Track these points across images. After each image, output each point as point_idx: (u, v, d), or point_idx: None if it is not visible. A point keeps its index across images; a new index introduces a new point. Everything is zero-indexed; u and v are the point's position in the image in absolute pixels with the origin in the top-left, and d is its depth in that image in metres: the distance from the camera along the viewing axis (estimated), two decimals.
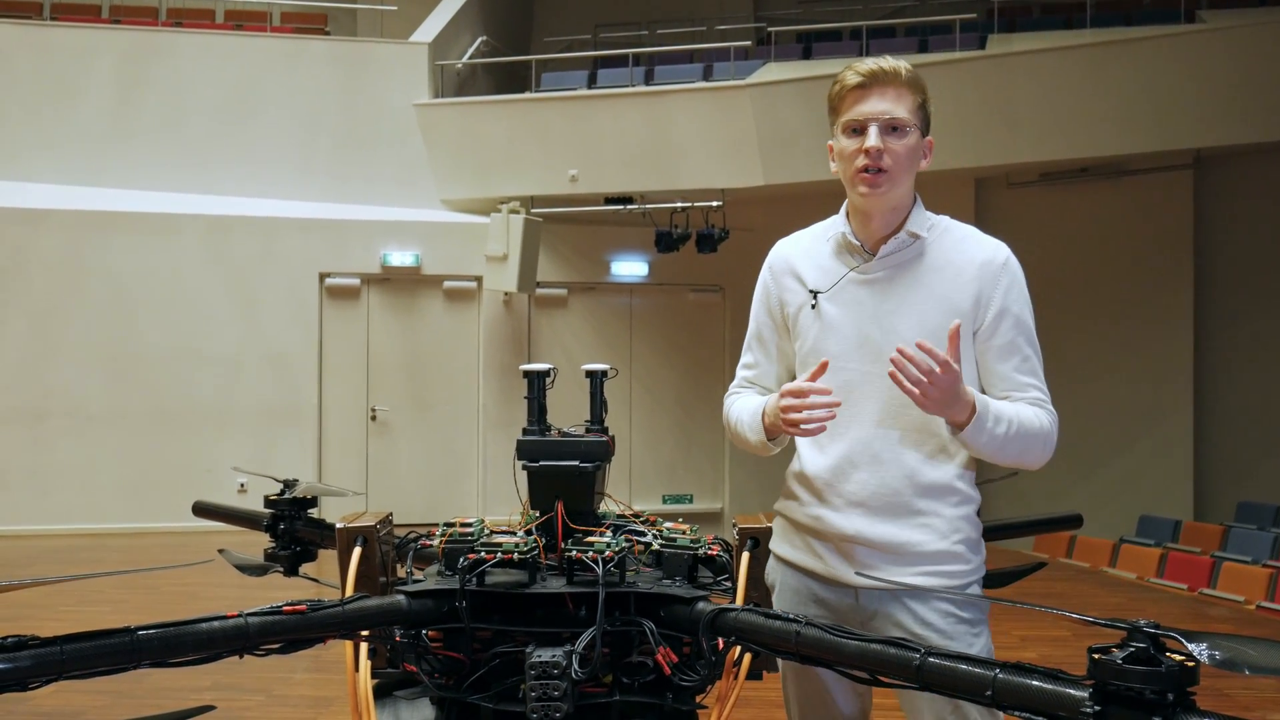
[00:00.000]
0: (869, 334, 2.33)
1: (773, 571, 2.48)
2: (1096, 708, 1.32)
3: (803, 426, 2.22)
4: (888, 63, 2.32)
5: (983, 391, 2.31)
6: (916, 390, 2.11)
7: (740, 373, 2.60)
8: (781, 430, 2.32)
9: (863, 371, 2.33)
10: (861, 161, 2.30)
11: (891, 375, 2.13)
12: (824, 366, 2.24)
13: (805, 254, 2.47)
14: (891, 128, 2.30)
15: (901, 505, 2.31)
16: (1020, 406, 2.29)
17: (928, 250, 2.35)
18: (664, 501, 12.84)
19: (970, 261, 2.33)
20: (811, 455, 2.40)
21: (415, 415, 12.46)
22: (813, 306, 2.39)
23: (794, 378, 2.40)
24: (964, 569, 2.34)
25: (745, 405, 2.48)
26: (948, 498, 2.32)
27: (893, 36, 13.05)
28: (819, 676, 2.41)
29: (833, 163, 2.42)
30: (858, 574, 2.33)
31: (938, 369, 2.10)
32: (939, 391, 2.12)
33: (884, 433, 2.33)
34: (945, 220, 2.42)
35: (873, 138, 2.29)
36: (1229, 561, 8.74)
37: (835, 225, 2.45)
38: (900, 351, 2.12)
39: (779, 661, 2.20)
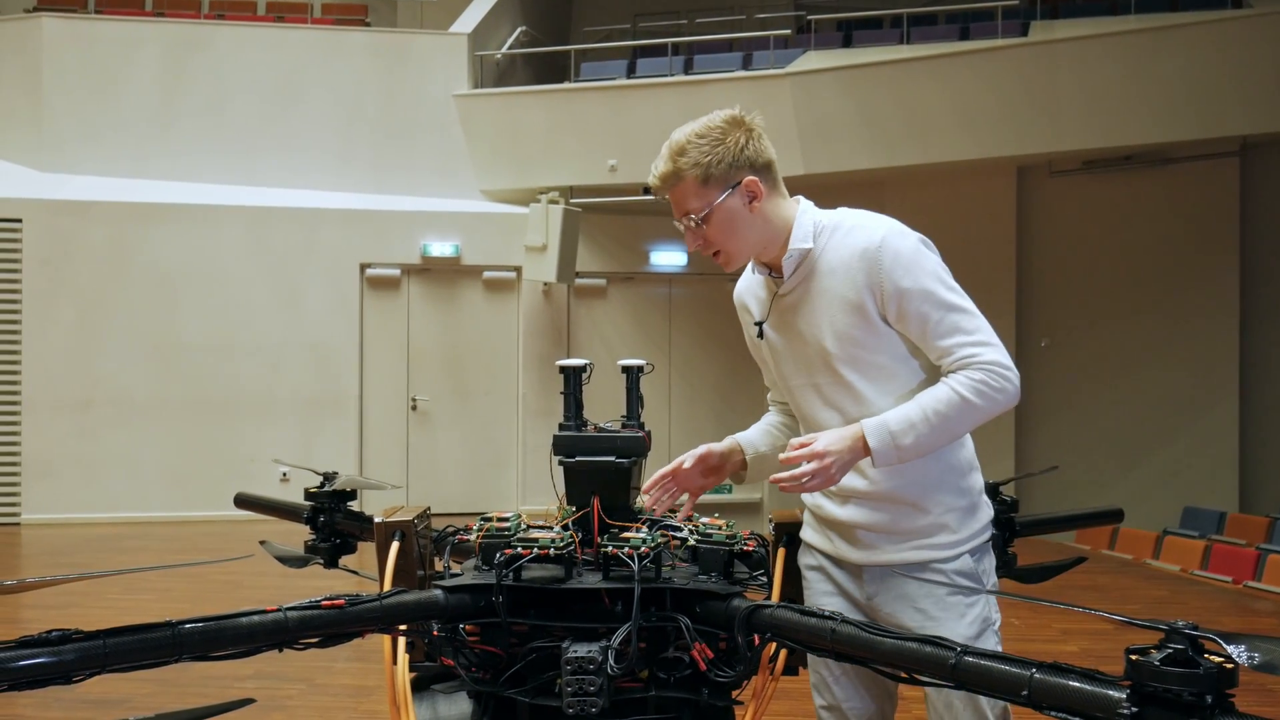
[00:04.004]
0: (801, 349, 2.40)
1: (803, 555, 2.53)
2: (1134, 709, 1.32)
3: (803, 482, 2.23)
4: (657, 166, 2.39)
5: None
6: (812, 484, 2.19)
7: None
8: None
9: (811, 384, 2.40)
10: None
11: (783, 488, 2.21)
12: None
13: (748, 288, 2.55)
14: (694, 222, 2.34)
15: (885, 492, 2.34)
16: (935, 391, 2.25)
17: (820, 256, 2.35)
18: None
19: (853, 254, 2.31)
20: None
21: (455, 405, 12.52)
22: (760, 336, 2.48)
23: None
24: (952, 539, 2.36)
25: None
26: (927, 473, 2.34)
27: (934, 24, 12.92)
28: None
29: None
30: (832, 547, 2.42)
31: (811, 465, 2.17)
32: (825, 472, 2.19)
33: None
34: (838, 216, 2.39)
35: (689, 241, 2.38)
36: (1275, 554, 8.61)
37: None
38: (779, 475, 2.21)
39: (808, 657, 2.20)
